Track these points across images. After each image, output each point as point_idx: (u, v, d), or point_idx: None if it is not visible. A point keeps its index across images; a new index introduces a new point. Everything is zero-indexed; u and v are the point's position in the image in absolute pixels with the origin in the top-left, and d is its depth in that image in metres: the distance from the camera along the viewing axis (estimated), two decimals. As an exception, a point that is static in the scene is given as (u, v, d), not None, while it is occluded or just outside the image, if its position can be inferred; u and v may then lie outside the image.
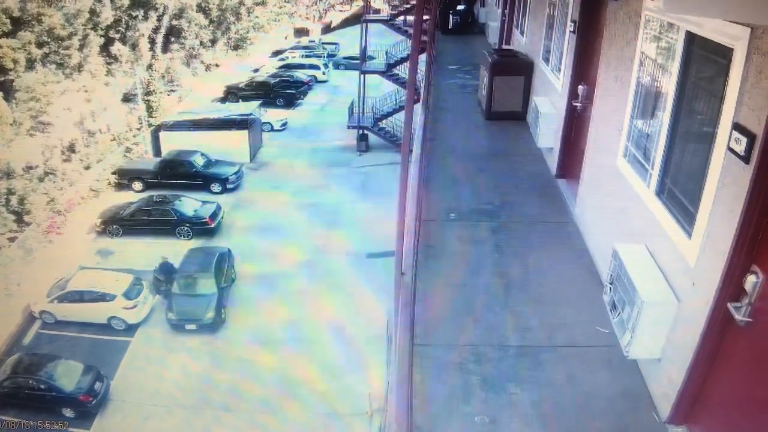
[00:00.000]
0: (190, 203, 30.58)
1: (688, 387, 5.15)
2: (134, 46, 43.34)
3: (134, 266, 26.34)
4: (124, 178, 34.98)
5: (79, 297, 23.95)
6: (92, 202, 32.64)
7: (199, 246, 28.06)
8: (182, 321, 23.37)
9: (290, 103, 49.55)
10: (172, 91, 46.80)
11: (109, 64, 41.24)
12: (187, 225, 29.46)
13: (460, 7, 30.87)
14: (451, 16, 30.09)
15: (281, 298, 24.77)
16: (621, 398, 5.83)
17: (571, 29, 10.52)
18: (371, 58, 40.18)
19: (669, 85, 5.92)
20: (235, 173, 35.09)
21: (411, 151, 7.41)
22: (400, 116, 34.91)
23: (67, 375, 20.46)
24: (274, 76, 52.90)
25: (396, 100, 38.17)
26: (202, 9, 50.02)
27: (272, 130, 43.90)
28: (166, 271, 25.10)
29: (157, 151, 39.18)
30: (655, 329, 5.47)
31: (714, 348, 4.88)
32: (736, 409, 4.75)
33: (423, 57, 15.89)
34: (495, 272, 8.00)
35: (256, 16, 59.33)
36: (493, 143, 13.45)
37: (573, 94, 10.24)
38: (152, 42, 45.32)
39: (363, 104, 38.50)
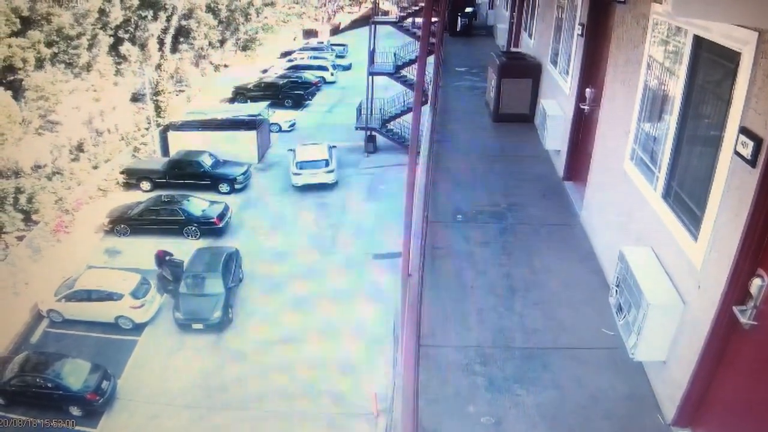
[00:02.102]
0: (198, 203, 30.69)
1: (693, 389, 5.15)
2: (143, 46, 43.40)
3: (142, 266, 26.42)
4: (132, 177, 35.16)
5: (87, 296, 24.09)
6: (100, 202, 32.78)
7: (206, 246, 28.18)
8: (189, 320, 23.48)
9: (298, 104, 49.63)
10: (180, 91, 46.93)
11: (118, 63, 41.33)
12: (195, 225, 29.57)
13: (468, 9, 30.85)
14: (459, 18, 30.08)
15: (288, 298, 24.83)
16: (626, 400, 5.84)
17: (579, 32, 10.52)
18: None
19: (676, 89, 5.92)
20: (243, 173, 35.19)
21: (418, 152, 7.43)
22: (408, 118, 34.93)
23: (74, 374, 20.58)
24: (282, 77, 52.99)
25: (404, 101, 38.19)
26: (211, 9, 50.06)
27: (280, 130, 43.97)
28: (162, 263, 25.25)
29: (165, 151, 39.38)
30: (661, 332, 5.47)
31: (719, 351, 4.89)
32: (740, 411, 4.76)
33: (431, 59, 15.92)
34: (501, 274, 8.01)
35: (265, 17, 59.38)
36: (500, 145, 13.45)
37: (581, 97, 10.24)
38: (161, 42, 45.40)
39: (371, 106, 38.54)
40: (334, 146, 37.25)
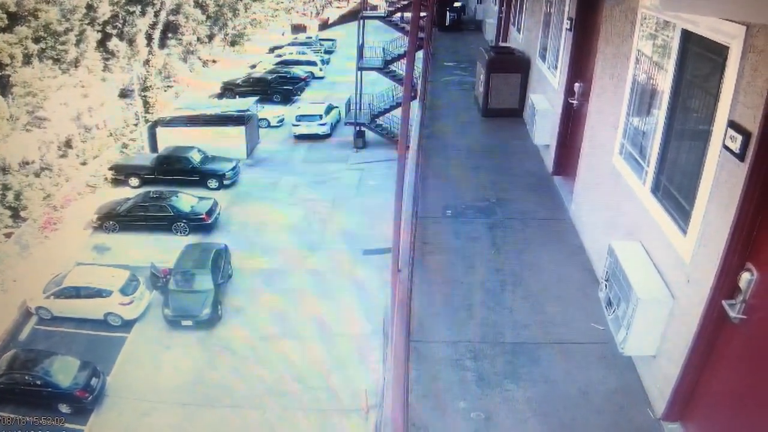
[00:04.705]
0: (186, 199, 30.60)
1: (683, 384, 5.16)
2: (131, 42, 43.28)
3: (131, 262, 26.33)
4: (121, 173, 34.99)
5: (76, 293, 23.98)
6: (89, 198, 32.65)
7: (195, 242, 28.08)
8: (179, 317, 23.42)
9: (287, 99, 49.52)
10: (169, 86, 46.80)
11: (106, 59, 41.23)
12: (184, 221, 29.47)
13: (457, 4, 30.87)
14: (448, 13, 30.08)
15: (278, 294, 24.79)
16: (616, 395, 5.85)
17: (568, 27, 10.52)
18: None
19: (665, 83, 5.92)
20: (232, 169, 35.08)
21: (408, 147, 7.41)
22: (397, 113, 34.93)
23: (64, 371, 20.49)
24: (271, 72, 52.88)
25: (393, 96, 38.16)
26: (200, 5, 49.93)
27: (269, 126, 43.87)
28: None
29: (153, 147, 39.21)
30: (650, 326, 5.48)
31: (708, 345, 4.90)
32: (730, 405, 4.77)
33: (420, 54, 15.90)
34: (491, 269, 8.01)
35: (254, 12, 59.24)
36: (489, 140, 13.47)
37: (569, 92, 10.25)
38: (149, 38, 45.26)
39: (360, 101, 38.50)
40: (336, 107, 44.54)
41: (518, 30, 17.23)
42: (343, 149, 39.85)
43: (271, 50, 64.06)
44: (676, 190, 5.67)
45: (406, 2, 36.44)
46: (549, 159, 11.46)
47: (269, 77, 51.15)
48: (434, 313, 7.08)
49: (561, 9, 11.29)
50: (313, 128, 41.87)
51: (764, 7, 3.41)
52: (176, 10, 47.30)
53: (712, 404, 5.00)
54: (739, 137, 4.41)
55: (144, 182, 34.35)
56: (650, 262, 5.91)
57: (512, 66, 14.64)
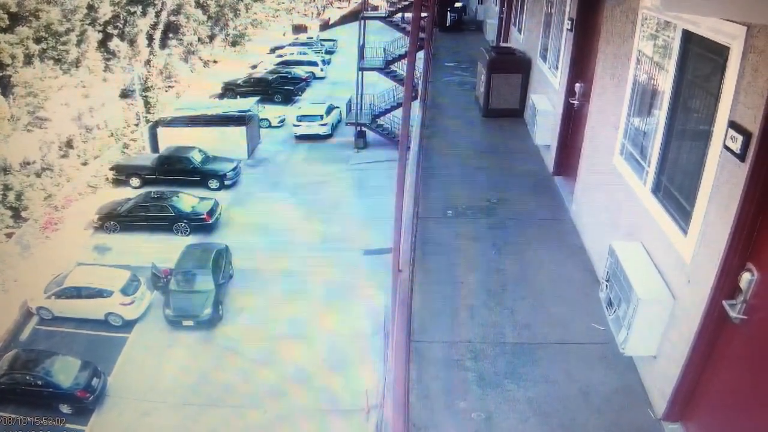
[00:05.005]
0: (187, 199, 30.59)
1: (684, 384, 5.16)
2: (132, 42, 43.31)
3: (132, 262, 26.33)
4: (122, 174, 34.98)
5: (77, 293, 23.97)
6: (90, 198, 32.64)
7: (196, 242, 28.07)
8: (179, 317, 23.41)
9: (288, 99, 49.51)
10: (170, 87, 46.78)
11: (107, 59, 41.24)
12: (185, 221, 29.47)
13: (457, 5, 30.89)
14: (448, 14, 30.09)
15: (278, 295, 24.78)
16: (617, 395, 5.85)
17: (569, 27, 10.52)
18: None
19: (665, 83, 5.92)
20: (233, 169, 35.07)
21: (408, 148, 7.42)
22: (398, 113, 34.91)
23: (64, 371, 20.48)
24: (272, 72, 52.85)
25: (394, 97, 38.15)
26: (201, 5, 49.95)
27: (270, 126, 43.87)
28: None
29: (154, 147, 39.19)
30: (651, 326, 5.48)
31: (709, 345, 4.90)
32: (731, 405, 4.77)
33: (421, 54, 15.89)
34: (492, 269, 8.01)
35: (255, 13, 59.23)
36: (490, 140, 13.47)
37: (570, 92, 10.25)
38: (150, 38, 45.28)
39: (361, 101, 38.50)
40: (337, 107, 44.11)
41: (519, 30, 17.23)
42: (344, 149, 39.83)
43: (272, 50, 63.95)
44: (676, 190, 5.67)
45: (407, 3, 36.37)
46: (550, 159, 11.46)
47: (270, 77, 51.10)
48: (435, 313, 7.09)
49: (562, 9, 11.29)
50: (314, 128, 41.72)
51: (764, 7, 3.41)
52: (177, 11, 47.34)
53: (713, 404, 5.00)
54: (740, 137, 4.42)
55: (145, 182, 34.34)
56: (651, 262, 5.91)
57: (513, 66, 14.64)
